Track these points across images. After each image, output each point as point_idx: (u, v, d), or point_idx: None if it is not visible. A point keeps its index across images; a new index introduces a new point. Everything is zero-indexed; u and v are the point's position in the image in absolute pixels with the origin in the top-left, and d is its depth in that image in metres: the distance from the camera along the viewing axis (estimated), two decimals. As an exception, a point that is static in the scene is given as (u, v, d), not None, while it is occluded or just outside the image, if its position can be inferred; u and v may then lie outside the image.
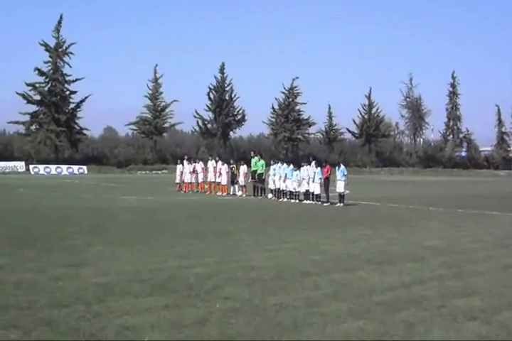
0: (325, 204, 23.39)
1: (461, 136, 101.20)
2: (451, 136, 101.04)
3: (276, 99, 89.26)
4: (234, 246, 11.44)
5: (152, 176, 62.66)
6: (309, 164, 24.94)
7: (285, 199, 25.99)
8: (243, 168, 28.99)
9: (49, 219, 16.60)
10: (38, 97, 71.53)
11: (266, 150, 73.78)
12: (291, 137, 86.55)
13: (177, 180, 32.79)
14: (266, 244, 11.80)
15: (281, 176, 26.08)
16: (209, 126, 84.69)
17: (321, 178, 23.95)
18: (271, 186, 27.34)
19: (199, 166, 31.47)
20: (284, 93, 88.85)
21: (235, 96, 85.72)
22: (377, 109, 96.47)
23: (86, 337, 5.55)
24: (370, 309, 6.69)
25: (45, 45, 72.05)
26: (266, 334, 5.71)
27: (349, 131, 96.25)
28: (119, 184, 40.84)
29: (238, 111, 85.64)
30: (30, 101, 71.11)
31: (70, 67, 73.11)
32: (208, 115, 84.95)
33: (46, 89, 71.56)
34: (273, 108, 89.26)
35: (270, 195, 27.56)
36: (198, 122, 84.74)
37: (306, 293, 7.44)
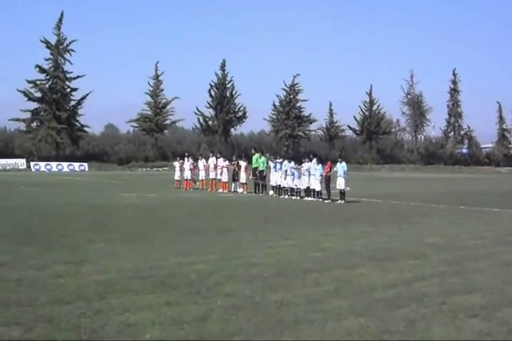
0: (326, 201, 23.39)
1: (462, 132, 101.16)
2: (452, 133, 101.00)
3: (277, 95, 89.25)
4: (235, 243, 11.44)
5: (153, 173, 62.66)
6: (310, 161, 24.94)
7: (286, 196, 26.00)
8: (244, 165, 28.96)
9: (50, 216, 16.61)
10: (38, 94, 71.49)
11: (267, 147, 73.65)
12: (292, 134, 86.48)
13: (176, 177, 32.71)
14: (267, 241, 11.80)
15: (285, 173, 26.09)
16: (210, 123, 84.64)
17: (322, 175, 23.95)
18: (272, 183, 27.34)
19: (201, 163, 31.40)
20: (285, 90, 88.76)
21: (235, 93, 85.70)
22: (378, 106, 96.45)
23: (87, 334, 5.55)
24: (371, 306, 6.69)
25: (46, 42, 71.97)
26: (267, 331, 5.71)
27: (350, 128, 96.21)
28: (120, 181, 40.84)
29: (239, 108, 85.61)
30: (31, 98, 71.07)
31: (71, 64, 73.11)
32: (209, 112, 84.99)
33: (47, 86, 71.51)
34: (274, 105, 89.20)
35: (271, 192, 27.56)
36: (199, 119, 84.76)
37: (307, 290, 7.44)
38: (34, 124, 72.39)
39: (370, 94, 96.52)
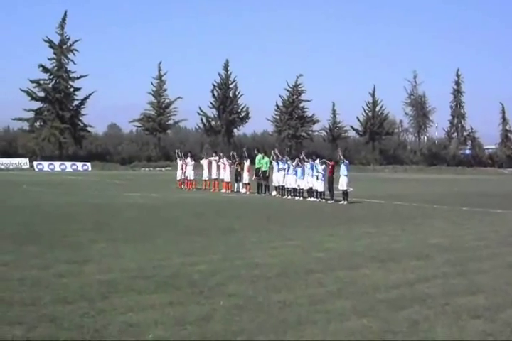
0: (329, 201, 23.37)
1: (465, 133, 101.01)
2: (455, 134, 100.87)
3: (280, 96, 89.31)
4: (238, 244, 11.44)
5: (156, 173, 62.72)
6: (313, 161, 24.91)
7: (289, 197, 25.98)
8: (247, 165, 28.96)
9: (52, 215, 16.63)
10: (42, 94, 71.70)
11: (270, 147, 73.55)
12: (295, 134, 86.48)
13: (178, 177, 32.69)
14: (270, 241, 11.79)
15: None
16: (213, 123, 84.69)
17: (324, 176, 23.92)
18: (275, 183, 27.33)
19: (205, 162, 31.31)
20: (288, 90, 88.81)
21: (239, 93, 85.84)
22: (382, 107, 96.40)
23: (90, 333, 5.55)
24: (374, 307, 6.68)
25: (50, 42, 72.18)
26: (270, 331, 5.70)
27: (353, 129, 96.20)
28: (123, 181, 40.89)
29: (242, 109, 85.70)
30: (34, 98, 71.28)
31: (75, 63, 73.41)
32: (212, 112, 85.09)
33: (50, 85, 71.72)
34: (277, 105, 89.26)
35: (274, 193, 27.54)
36: (201, 119, 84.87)
37: (310, 291, 7.43)
38: (37, 124, 72.63)
39: (373, 95, 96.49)
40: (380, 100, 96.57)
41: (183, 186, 31.67)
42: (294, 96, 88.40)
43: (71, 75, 72.98)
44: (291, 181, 25.87)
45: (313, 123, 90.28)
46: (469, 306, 6.76)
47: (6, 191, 28.50)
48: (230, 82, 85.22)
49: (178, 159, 32.97)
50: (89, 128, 76.41)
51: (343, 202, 22.80)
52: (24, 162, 66.03)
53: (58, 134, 69.90)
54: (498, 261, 9.99)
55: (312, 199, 24.50)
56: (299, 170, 25.25)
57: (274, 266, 9.03)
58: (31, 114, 71.93)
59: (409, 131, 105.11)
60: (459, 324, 6.06)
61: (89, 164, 67.83)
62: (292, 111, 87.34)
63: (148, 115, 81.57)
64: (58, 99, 71.03)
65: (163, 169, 70.49)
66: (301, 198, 25.20)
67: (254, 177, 28.75)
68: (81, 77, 73.39)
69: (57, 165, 65.83)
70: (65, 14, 72.77)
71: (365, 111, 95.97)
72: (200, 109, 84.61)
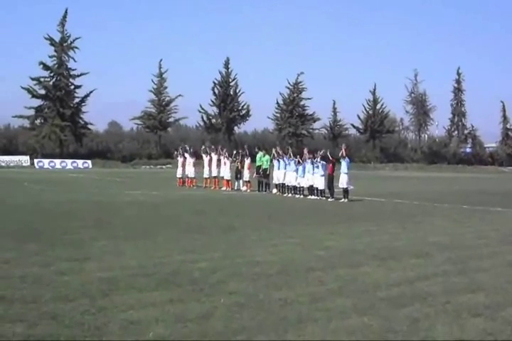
0: (329, 199, 23.37)
1: (465, 132, 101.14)
2: (455, 132, 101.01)
3: (280, 94, 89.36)
4: (238, 241, 11.45)
5: (157, 171, 62.77)
6: (314, 158, 24.87)
7: (290, 195, 25.99)
8: (247, 162, 28.96)
9: (53, 213, 16.63)
10: (42, 91, 71.72)
11: (270, 145, 73.49)
12: (295, 132, 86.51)
13: (180, 175, 32.69)
14: (270, 239, 11.80)
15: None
16: (213, 121, 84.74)
17: (324, 174, 23.91)
18: (275, 181, 27.33)
19: (206, 159, 31.27)
20: (288, 88, 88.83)
21: (239, 91, 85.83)
22: (382, 105, 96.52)
23: (91, 331, 5.56)
24: (375, 305, 6.68)
25: (50, 40, 72.15)
26: (270, 329, 5.71)
27: (354, 127, 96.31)
28: (124, 178, 40.89)
29: (243, 106, 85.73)
30: (34, 95, 71.27)
31: (75, 61, 73.42)
32: (213, 110, 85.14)
33: (51, 83, 71.72)
34: (277, 103, 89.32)
35: (275, 190, 27.54)
36: (202, 117, 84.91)
37: (311, 289, 7.44)
38: (38, 121, 72.67)
39: (373, 93, 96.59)
40: (381, 98, 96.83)
41: (185, 184, 31.65)
42: (295, 94, 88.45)
43: (72, 73, 73.03)
44: (291, 179, 25.87)
45: (314, 121, 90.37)
46: (470, 304, 6.77)
47: (7, 189, 28.52)
48: (230, 80, 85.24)
49: (179, 156, 32.89)
50: (89, 126, 76.57)
51: (343, 200, 22.80)
52: (25, 159, 66.07)
53: (59, 132, 69.92)
54: (499, 259, 10.00)
55: (312, 197, 24.51)
56: (300, 167, 25.26)
57: (275, 263, 9.03)
58: (32, 112, 71.99)
59: (409, 129, 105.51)
60: (459, 322, 6.07)
61: (89, 162, 67.85)
62: (293, 109, 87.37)
63: (148, 113, 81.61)
64: (59, 97, 71.02)
65: (163, 167, 70.52)
66: (302, 196, 25.20)
67: (254, 175, 28.75)
68: (82, 74, 73.47)
69: (57, 163, 65.85)
70: (66, 12, 72.83)
71: (365, 109, 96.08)
72: (200, 106, 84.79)
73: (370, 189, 31.34)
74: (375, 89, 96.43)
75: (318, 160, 24.31)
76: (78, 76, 73.44)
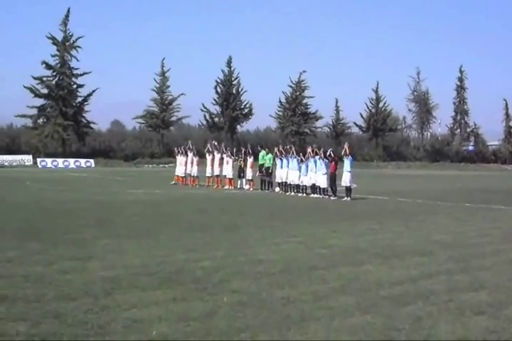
0: (332, 198, 23.37)
1: (468, 130, 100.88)
2: (458, 130, 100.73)
3: (283, 92, 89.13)
4: (241, 240, 11.45)
5: (159, 170, 62.73)
6: (317, 156, 24.83)
7: (292, 193, 25.98)
8: (250, 161, 28.94)
9: (56, 212, 16.65)
10: (45, 91, 71.64)
11: (273, 144, 73.51)
12: (298, 131, 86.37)
13: (180, 173, 32.55)
14: (273, 238, 11.80)
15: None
16: (216, 119, 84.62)
17: (327, 172, 23.89)
18: (278, 179, 27.31)
19: (209, 158, 31.23)
20: (291, 87, 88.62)
21: (242, 90, 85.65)
22: (385, 103, 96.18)
23: (94, 329, 5.56)
24: (378, 303, 6.68)
25: (53, 39, 72.08)
26: (273, 327, 5.71)
27: (356, 125, 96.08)
28: (126, 177, 40.92)
29: (245, 105, 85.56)
30: (37, 94, 71.22)
31: (78, 60, 73.22)
32: (215, 109, 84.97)
33: (53, 82, 71.64)
34: (280, 102, 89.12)
35: (277, 189, 27.54)
36: (205, 116, 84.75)
37: (314, 287, 7.44)
38: (40, 121, 72.60)
39: (376, 91, 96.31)
40: (384, 96, 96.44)
41: (187, 183, 31.64)
42: (297, 93, 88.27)
43: (74, 72, 72.92)
44: (294, 177, 25.86)
45: (317, 120, 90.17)
46: (472, 302, 6.76)
47: (10, 188, 28.55)
48: (233, 79, 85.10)
49: (180, 155, 32.85)
50: (92, 125, 76.41)
51: (346, 198, 22.79)
52: (27, 159, 66.07)
53: (61, 131, 69.90)
54: (501, 257, 9.99)
55: (315, 195, 24.49)
56: (303, 166, 25.24)
57: (278, 262, 9.04)
58: (34, 111, 71.93)
59: (412, 127, 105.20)
60: (462, 320, 6.07)
61: (92, 161, 67.84)
62: (295, 108, 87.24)
63: (151, 112, 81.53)
64: (61, 96, 70.98)
65: (166, 166, 70.39)
66: (305, 194, 25.19)
67: (257, 173, 28.75)
68: (84, 73, 73.36)
69: (60, 162, 65.83)
70: (68, 11, 72.62)
71: (368, 108, 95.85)
72: (203, 105, 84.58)
73: (373, 187, 31.33)
74: (377, 88, 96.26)
75: (322, 157, 24.24)
76: (81, 75, 73.37)
